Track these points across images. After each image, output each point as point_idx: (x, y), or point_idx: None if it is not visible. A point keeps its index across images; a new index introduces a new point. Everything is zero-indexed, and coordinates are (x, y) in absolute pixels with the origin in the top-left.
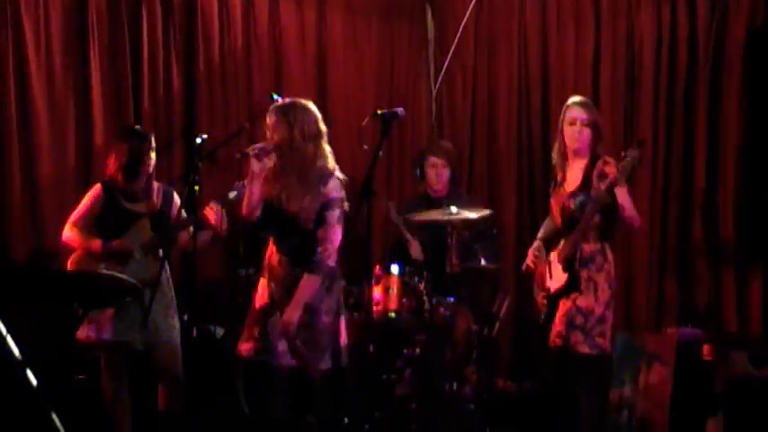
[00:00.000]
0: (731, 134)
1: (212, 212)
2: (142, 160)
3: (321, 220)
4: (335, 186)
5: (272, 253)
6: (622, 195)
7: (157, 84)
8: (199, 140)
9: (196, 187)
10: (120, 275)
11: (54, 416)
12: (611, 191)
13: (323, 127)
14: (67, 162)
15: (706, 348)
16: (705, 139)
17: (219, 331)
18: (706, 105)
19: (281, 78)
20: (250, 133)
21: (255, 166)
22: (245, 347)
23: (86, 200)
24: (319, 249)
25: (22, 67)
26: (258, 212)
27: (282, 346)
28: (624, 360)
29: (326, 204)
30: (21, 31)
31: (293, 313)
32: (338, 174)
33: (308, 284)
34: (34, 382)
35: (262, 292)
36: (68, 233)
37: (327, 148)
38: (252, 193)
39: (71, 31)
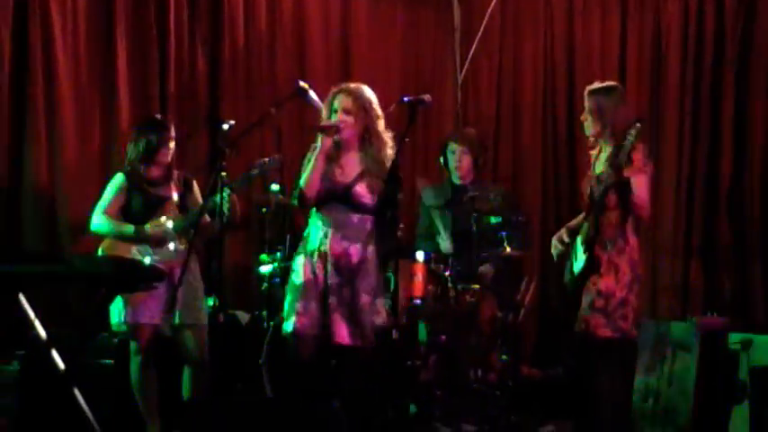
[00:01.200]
0: (758, 122)
1: (227, 201)
2: (160, 150)
3: (393, 202)
4: (399, 168)
5: (322, 232)
6: (637, 182)
7: (183, 70)
8: (225, 127)
9: (223, 173)
10: (141, 261)
11: (80, 397)
12: (616, 171)
13: (379, 112)
14: (92, 148)
15: (731, 337)
16: (731, 127)
17: (245, 317)
18: (733, 93)
19: (305, 64)
20: (276, 120)
21: (326, 141)
22: (301, 322)
23: (110, 190)
24: (398, 232)
25: (49, 53)
26: (317, 189)
27: (341, 324)
28: (649, 347)
29: (398, 186)
30: (48, 18)
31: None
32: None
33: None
34: (61, 364)
35: (305, 270)
36: (98, 220)
37: (387, 133)
38: (316, 169)
39: (98, 18)
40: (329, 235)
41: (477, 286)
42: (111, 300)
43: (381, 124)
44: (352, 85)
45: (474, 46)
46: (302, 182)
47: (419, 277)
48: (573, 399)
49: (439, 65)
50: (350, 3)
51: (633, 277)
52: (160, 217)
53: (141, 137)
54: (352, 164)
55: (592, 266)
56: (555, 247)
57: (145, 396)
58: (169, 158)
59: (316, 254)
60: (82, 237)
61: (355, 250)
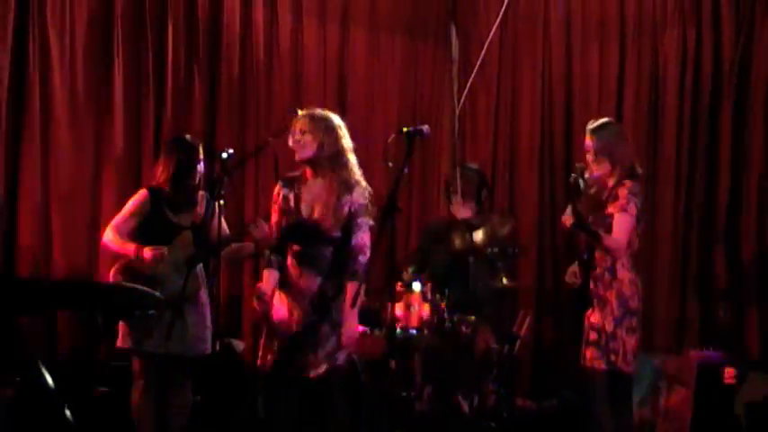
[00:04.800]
0: (756, 155)
1: (258, 231)
2: (190, 171)
3: (353, 228)
4: (361, 194)
5: (291, 265)
6: (617, 221)
7: (179, 99)
8: (225, 155)
9: (222, 201)
10: (141, 288)
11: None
12: (573, 213)
13: (348, 141)
14: (87, 173)
15: (727, 371)
16: (729, 160)
17: (239, 345)
18: (730, 127)
19: (302, 93)
20: (273, 148)
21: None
22: (266, 360)
23: (131, 204)
24: (360, 257)
25: (47, 79)
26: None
27: (313, 357)
28: (644, 381)
29: (356, 211)
30: (46, 44)
31: (352, 325)
32: (363, 183)
33: (354, 291)
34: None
35: (279, 306)
36: (108, 236)
37: (353, 160)
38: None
39: (96, 46)
40: (302, 272)
41: (472, 318)
42: (111, 326)
43: (344, 146)
44: (312, 110)
45: (472, 77)
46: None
47: (415, 307)
48: (568, 430)
49: (437, 96)
50: (348, 32)
51: (623, 312)
52: (175, 246)
53: (171, 156)
54: (312, 193)
55: (584, 301)
56: (569, 278)
57: (143, 422)
58: (196, 180)
59: (289, 290)
60: (75, 261)
61: (330, 285)
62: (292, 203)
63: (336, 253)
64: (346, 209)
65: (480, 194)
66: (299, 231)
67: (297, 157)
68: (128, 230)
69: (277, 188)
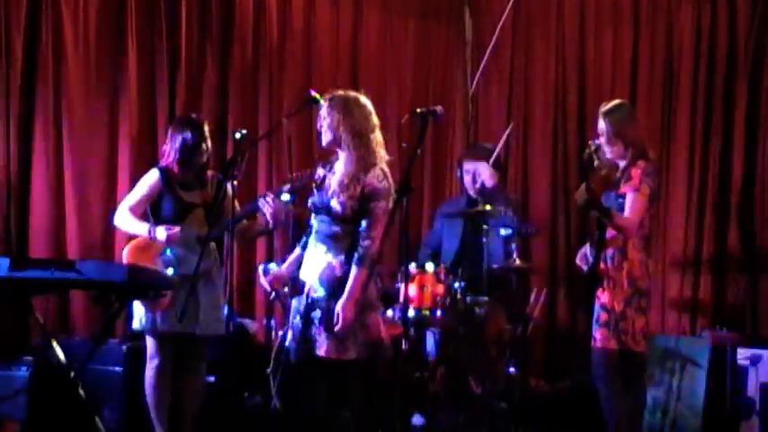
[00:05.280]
0: None
1: (269, 207)
2: (197, 149)
3: (366, 212)
4: (378, 176)
5: (310, 243)
6: (629, 201)
7: (192, 80)
8: (238, 135)
9: (235, 182)
10: (155, 268)
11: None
12: (587, 190)
13: (372, 120)
14: (100, 156)
15: (741, 352)
16: (743, 141)
17: (252, 326)
18: (745, 105)
19: (315, 76)
20: (287, 130)
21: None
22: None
23: (143, 185)
24: (365, 242)
25: (60, 62)
26: None
27: (321, 337)
28: (658, 362)
29: (372, 195)
30: (59, 23)
31: (347, 309)
32: (383, 165)
33: (358, 278)
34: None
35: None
36: (121, 216)
37: (378, 139)
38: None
39: (109, 27)
40: (314, 248)
41: (486, 298)
42: (123, 307)
43: (364, 125)
44: (334, 93)
45: (485, 59)
46: (374, 253)
47: (428, 288)
48: (581, 412)
49: (450, 77)
50: (361, 15)
51: (633, 292)
52: (187, 224)
53: (177, 135)
54: (330, 173)
55: (595, 280)
56: (580, 260)
57: (157, 403)
58: (204, 158)
59: (304, 266)
60: (90, 243)
61: (338, 263)
62: (320, 183)
63: (350, 234)
64: (358, 189)
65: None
66: (317, 208)
67: (323, 143)
68: (141, 210)
69: (318, 170)
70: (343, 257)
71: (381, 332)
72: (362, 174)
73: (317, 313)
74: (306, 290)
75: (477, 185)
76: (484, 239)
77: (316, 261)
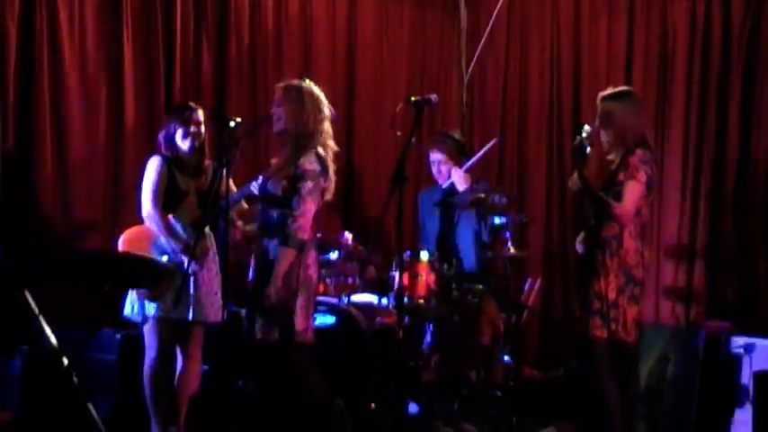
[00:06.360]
0: (764, 125)
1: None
2: (178, 136)
3: (295, 192)
4: (310, 159)
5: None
6: (626, 189)
7: (188, 67)
8: (232, 124)
9: (228, 170)
10: (150, 257)
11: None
12: (580, 178)
13: (325, 111)
14: (98, 145)
15: (734, 341)
16: (738, 130)
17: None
18: (739, 96)
19: (311, 64)
20: None
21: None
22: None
23: (152, 173)
24: (289, 221)
25: (56, 49)
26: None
27: (259, 320)
28: (651, 351)
29: (300, 176)
30: (55, 15)
31: (271, 287)
32: (319, 149)
33: (284, 257)
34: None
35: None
36: (154, 214)
37: (325, 129)
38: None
39: (105, 15)
40: (258, 235)
41: (480, 287)
42: (118, 295)
43: (315, 115)
44: (288, 81)
45: (480, 46)
46: (300, 233)
47: (422, 277)
48: (575, 400)
49: (445, 65)
50: (356, 3)
51: (626, 281)
52: (180, 211)
53: (165, 123)
54: (277, 159)
55: (589, 268)
56: (579, 246)
57: (154, 392)
58: (187, 146)
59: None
60: (88, 231)
61: (274, 247)
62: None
63: (284, 216)
64: (291, 170)
65: (460, 162)
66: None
67: (275, 130)
68: (161, 201)
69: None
70: (275, 241)
71: (299, 319)
72: (297, 156)
73: (256, 301)
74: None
75: (444, 183)
76: (478, 227)
77: (255, 245)
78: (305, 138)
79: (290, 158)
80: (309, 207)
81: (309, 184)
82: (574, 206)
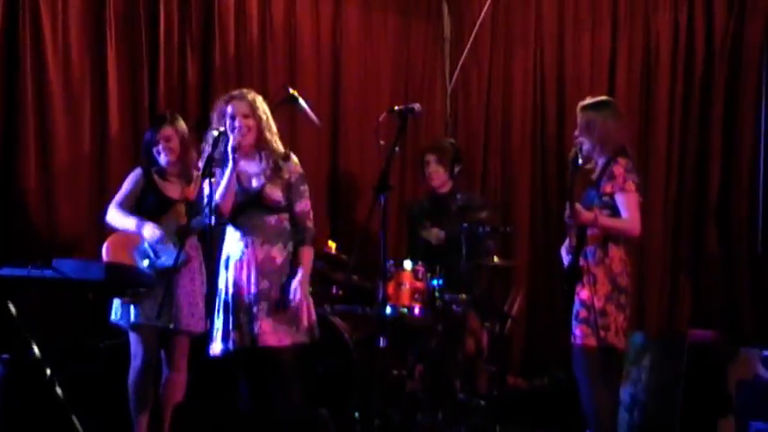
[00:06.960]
0: (746, 136)
1: None
2: (154, 147)
3: (295, 196)
4: (297, 163)
5: (235, 239)
6: (622, 201)
7: (173, 75)
8: (216, 133)
9: (212, 179)
10: (133, 266)
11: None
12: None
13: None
14: (82, 152)
15: (718, 349)
16: (720, 141)
17: None
18: (722, 107)
19: (296, 73)
20: None
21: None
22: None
23: (127, 182)
24: (309, 223)
25: (40, 56)
26: (231, 202)
27: (266, 326)
28: (636, 359)
29: (296, 180)
30: (38, 21)
31: (305, 286)
32: (292, 155)
33: (310, 256)
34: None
35: (225, 283)
36: (111, 213)
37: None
38: (230, 184)
39: (89, 22)
40: (249, 243)
41: (464, 296)
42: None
43: (271, 128)
44: (244, 91)
45: (464, 55)
46: (218, 197)
47: (406, 286)
48: (559, 409)
49: (429, 74)
50: (341, 11)
51: (612, 288)
52: (168, 218)
53: (145, 136)
54: (254, 168)
55: (573, 276)
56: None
57: (138, 401)
58: (163, 160)
59: (237, 263)
60: (72, 238)
61: (278, 251)
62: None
63: (282, 221)
64: (286, 176)
65: (453, 168)
66: (247, 203)
67: (242, 140)
68: (128, 206)
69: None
70: (279, 246)
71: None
72: (285, 163)
73: (262, 305)
74: (240, 286)
75: (436, 185)
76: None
77: (252, 254)
78: (277, 145)
79: (276, 165)
80: (310, 206)
81: (305, 187)
82: (559, 216)
